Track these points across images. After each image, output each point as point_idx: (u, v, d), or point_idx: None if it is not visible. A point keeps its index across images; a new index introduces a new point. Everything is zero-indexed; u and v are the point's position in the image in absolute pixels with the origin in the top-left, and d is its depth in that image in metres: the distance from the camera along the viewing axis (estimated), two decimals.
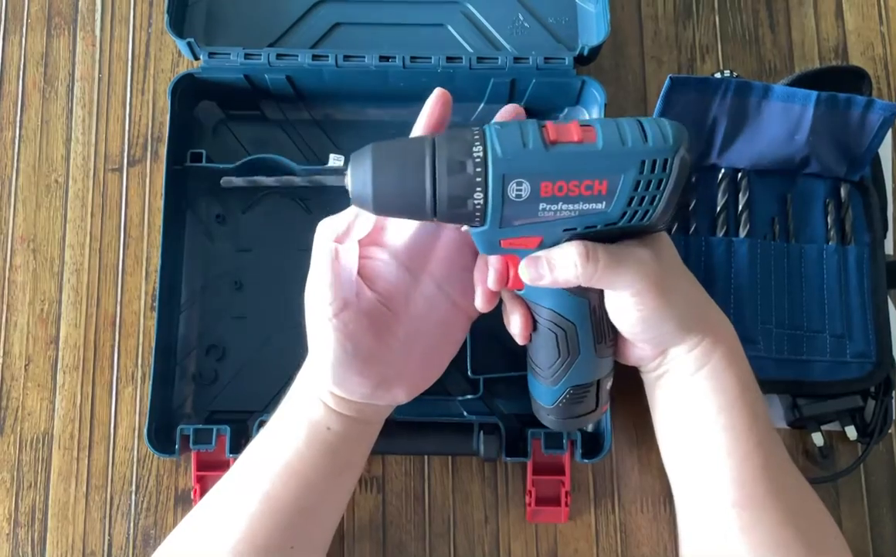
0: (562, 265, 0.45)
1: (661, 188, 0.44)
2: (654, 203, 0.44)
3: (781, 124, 0.64)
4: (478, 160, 0.42)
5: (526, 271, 0.46)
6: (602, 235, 0.46)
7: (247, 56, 0.65)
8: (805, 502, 0.54)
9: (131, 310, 0.68)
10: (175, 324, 0.66)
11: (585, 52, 0.65)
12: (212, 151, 0.68)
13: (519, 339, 0.51)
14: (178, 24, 0.67)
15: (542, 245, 0.46)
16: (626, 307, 0.48)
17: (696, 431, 0.53)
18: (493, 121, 0.47)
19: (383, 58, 0.64)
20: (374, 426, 0.54)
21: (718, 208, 0.66)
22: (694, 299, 0.52)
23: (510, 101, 0.69)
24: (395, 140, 0.44)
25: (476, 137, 0.43)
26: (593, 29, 0.68)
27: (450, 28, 0.70)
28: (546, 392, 0.53)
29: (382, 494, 0.66)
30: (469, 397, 0.65)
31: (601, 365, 0.52)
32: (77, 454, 0.66)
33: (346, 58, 0.65)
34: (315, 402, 0.50)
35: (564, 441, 0.61)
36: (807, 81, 0.68)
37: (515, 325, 0.51)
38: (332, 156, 0.67)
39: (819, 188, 0.67)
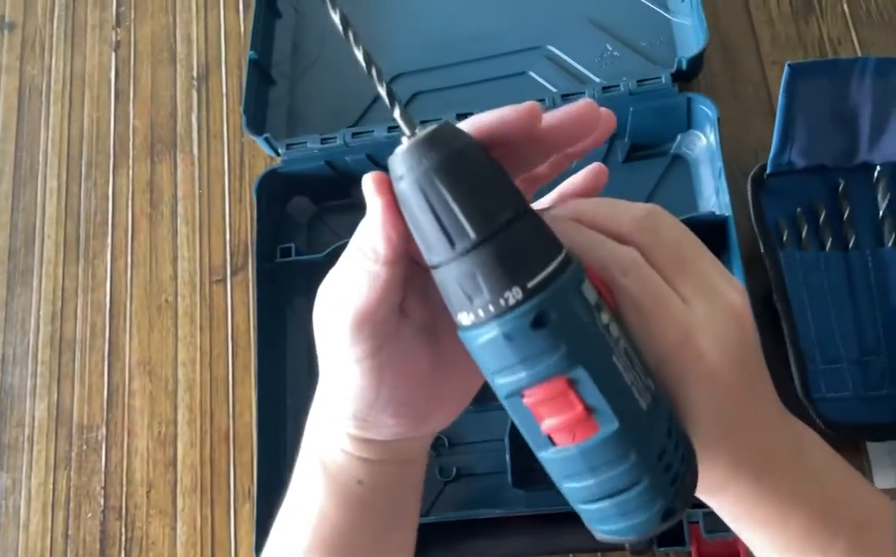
0: None
1: None
2: None
3: None
4: None
5: None
6: None
7: (323, 140, 0.63)
8: None
9: (243, 422, 0.66)
10: (281, 430, 0.63)
11: (684, 66, 0.57)
12: (307, 245, 0.66)
13: None
14: (259, 123, 0.67)
15: None
16: None
17: None
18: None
19: (460, 115, 0.60)
20: (417, 463, 0.41)
21: (881, 213, 0.55)
22: None
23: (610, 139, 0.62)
24: None
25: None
26: (692, 40, 0.60)
27: (532, 74, 0.65)
28: None
29: None
30: None
31: None
32: None
33: (422, 123, 0.61)
34: (335, 451, 0.39)
35: None
36: None
37: None
38: None
39: None
